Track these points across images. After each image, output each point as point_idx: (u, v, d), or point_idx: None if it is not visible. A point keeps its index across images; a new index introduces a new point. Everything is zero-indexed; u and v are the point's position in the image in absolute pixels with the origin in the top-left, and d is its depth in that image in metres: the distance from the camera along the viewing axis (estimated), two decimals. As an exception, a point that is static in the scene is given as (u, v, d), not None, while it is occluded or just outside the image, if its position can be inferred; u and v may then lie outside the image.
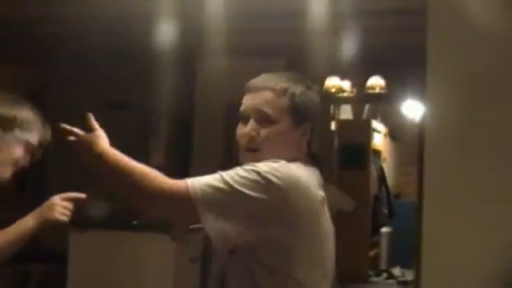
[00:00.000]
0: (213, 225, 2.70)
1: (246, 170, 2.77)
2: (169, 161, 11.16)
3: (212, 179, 2.75)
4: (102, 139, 2.94)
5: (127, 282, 7.92)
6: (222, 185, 2.72)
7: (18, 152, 3.60)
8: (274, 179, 2.73)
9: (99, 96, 11.68)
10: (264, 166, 2.79)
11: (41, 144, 3.63)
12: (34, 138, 3.61)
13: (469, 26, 6.30)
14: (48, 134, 3.52)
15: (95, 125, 2.99)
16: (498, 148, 6.27)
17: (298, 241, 2.80)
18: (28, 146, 3.62)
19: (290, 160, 2.88)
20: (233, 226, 2.71)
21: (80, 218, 8.68)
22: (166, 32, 8.65)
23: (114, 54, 10.98)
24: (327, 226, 2.96)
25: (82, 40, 10.23)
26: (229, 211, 2.71)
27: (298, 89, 3.04)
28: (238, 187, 2.71)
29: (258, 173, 2.75)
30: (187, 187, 2.72)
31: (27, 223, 3.54)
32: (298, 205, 2.78)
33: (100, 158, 2.87)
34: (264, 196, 2.72)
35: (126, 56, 10.96)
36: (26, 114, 3.60)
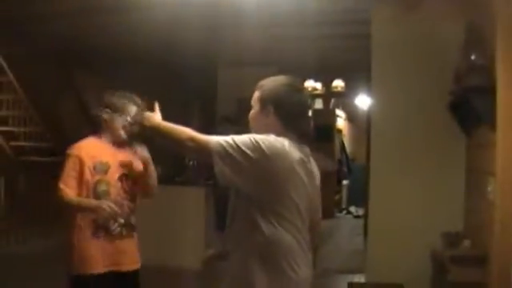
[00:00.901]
0: (219, 167, 2.75)
1: (248, 136, 2.81)
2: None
3: (225, 138, 2.79)
4: (158, 116, 3.05)
5: (174, 218, 7.98)
6: (231, 142, 2.76)
7: (121, 127, 3.93)
8: (262, 145, 2.76)
9: (151, 93, 11.70)
10: (260, 136, 2.81)
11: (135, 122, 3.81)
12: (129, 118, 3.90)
13: (401, 42, 6.34)
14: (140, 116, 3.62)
15: (156, 108, 3.12)
16: (419, 126, 6.32)
17: (279, 191, 2.82)
18: (126, 123, 3.90)
19: (278, 135, 2.88)
20: (230, 171, 2.76)
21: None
22: (199, 45, 8.67)
23: (158, 60, 10.99)
24: (305, 180, 2.91)
25: (137, 49, 10.21)
26: (230, 160, 2.75)
27: (269, 85, 3.04)
28: (240, 145, 2.75)
29: (255, 138, 2.78)
30: (209, 141, 2.79)
31: (92, 204, 3.78)
32: (277, 166, 2.78)
33: (157, 126, 2.97)
34: (253, 155, 2.74)
35: (167, 62, 10.97)
36: (127, 103, 3.98)
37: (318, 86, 12.57)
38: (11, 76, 11.01)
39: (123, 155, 4.03)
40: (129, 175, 4.02)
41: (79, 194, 3.80)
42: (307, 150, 3.01)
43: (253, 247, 2.85)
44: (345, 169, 15.68)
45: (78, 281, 3.84)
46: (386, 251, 6.35)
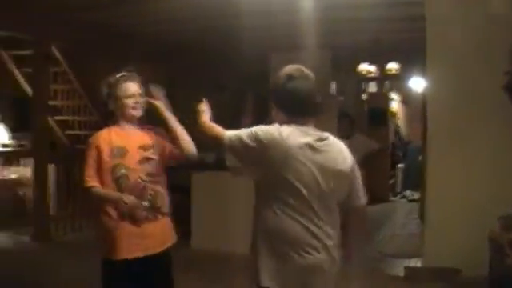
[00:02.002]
0: (230, 161, 3.03)
1: (252, 128, 3.01)
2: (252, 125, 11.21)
3: (236, 132, 3.03)
4: (207, 113, 3.32)
5: (227, 203, 8.00)
6: (237, 134, 3.01)
7: (129, 106, 3.95)
8: (261, 134, 2.93)
9: (204, 81, 11.79)
10: (261, 126, 3.00)
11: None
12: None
13: (456, 23, 6.28)
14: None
15: (205, 106, 3.36)
16: (475, 107, 6.26)
17: (278, 177, 2.92)
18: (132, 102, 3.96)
19: (282, 123, 3.03)
20: (239, 162, 3.02)
21: (198, 163, 8.91)
22: (251, 31, 8.69)
23: (210, 47, 11.04)
24: (311, 166, 2.94)
25: (193, 37, 10.28)
26: (239, 153, 2.99)
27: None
28: (243, 137, 2.97)
29: (255, 129, 2.98)
30: (223, 136, 3.07)
31: (116, 196, 3.79)
32: (274, 154, 2.89)
33: (202, 123, 3.26)
34: (252, 144, 2.94)
35: (219, 49, 11.00)
36: (124, 82, 3.95)
37: (373, 69, 12.51)
38: (65, 66, 11.19)
39: (143, 137, 4.03)
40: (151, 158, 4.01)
41: (101, 181, 3.85)
42: (320, 134, 3.05)
43: (259, 233, 3.06)
44: (399, 152, 15.57)
45: (109, 265, 3.90)
46: (443, 235, 6.32)
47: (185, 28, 9.36)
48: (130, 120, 4.00)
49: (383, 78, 13.71)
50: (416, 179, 12.30)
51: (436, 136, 6.53)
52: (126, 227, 3.84)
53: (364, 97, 14.80)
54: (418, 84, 13.50)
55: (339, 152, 3.07)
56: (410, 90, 15.11)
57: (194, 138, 3.98)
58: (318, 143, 2.98)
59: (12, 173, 9.75)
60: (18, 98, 11.78)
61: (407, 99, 17.21)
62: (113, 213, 3.84)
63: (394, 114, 15.66)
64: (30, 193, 9.47)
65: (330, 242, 2.98)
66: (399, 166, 15.59)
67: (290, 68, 3.10)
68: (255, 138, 2.93)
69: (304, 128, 3.00)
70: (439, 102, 6.49)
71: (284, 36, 9.24)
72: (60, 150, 11.06)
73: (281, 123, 3.01)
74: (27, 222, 9.14)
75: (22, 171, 9.77)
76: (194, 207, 8.30)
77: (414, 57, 9.86)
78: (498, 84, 5.56)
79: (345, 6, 7.70)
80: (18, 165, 9.76)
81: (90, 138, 4.00)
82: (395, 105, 16.11)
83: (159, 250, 3.99)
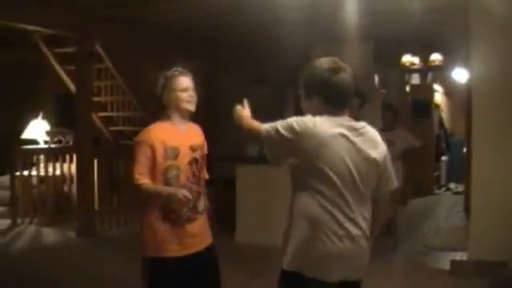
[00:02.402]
0: (268, 150, 3.11)
1: (288, 119, 3.05)
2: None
3: (271, 124, 3.09)
4: (246, 111, 3.36)
5: (272, 196, 8.03)
6: (274, 126, 3.06)
7: (183, 100, 3.94)
8: (295, 125, 2.99)
9: (247, 75, 11.84)
10: (295, 117, 3.05)
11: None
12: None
13: (500, 13, 6.23)
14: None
15: (245, 104, 3.40)
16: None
17: (311, 166, 2.98)
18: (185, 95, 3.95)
19: (316, 113, 3.05)
20: (276, 151, 3.12)
21: (242, 156, 8.95)
22: (293, 25, 8.72)
23: (252, 42, 11.06)
24: (344, 154, 2.99)
25: (235, 32, 10.31)
26: (276, 144, 3.07)
27: (305, 71, 3.19)
28: (279, 128, 3.03)
29: (290, 120, 3.03)
30: (261, 129, 3.13)
31: (168, 191, 3.75)
32: (308, 143, 2.95)
33: (237, 120, 3.30)
34: (288, 135, 2.99)
35: (265, 44, 11.00)
36: (177, 76, 3.94)
37: (416, 60, 12.48)
38: (108, 63, 11.30)
39: (193, 136, 4.06)
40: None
41: (152, 180, 3.82)
42: (354, 124, 3.09)
43: (293, 221, 3.09)
44: (443, 144, 15.46)
45: (152, 263, 3.91)
46: (489, 228, 6.29)
47: (228, 23, 9.39)
48: (183, 114, 3.98)
49: (426, 69, 13.65)
50: (460, 172, 12.24)
51: (481, 128, 6.49)
52: (171, 225, 3.87)
53: (407, 89, 14.74)
54: (461, 75, 13.44)
55: (372, 141, 3.12)
56: (454, 81, 15.02)
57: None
58: (352, 133, 3.03)
59: (56, 169, 9.88)
60: (60, 94, 11.98)
61: (450, 91, 17.09)
62: (158, 212, 3.86)
63: (437, 106, 15.56)
64: (74, 189, 9.64)
65: (359, 232, 3.02)
66: (443, 158, 15.51)
67: (329, 61, 3.13)
68: (291, 128, 2.98)
69: (338, 118, 3.04)
70: (483, 94, 6.45)
71: (326, 29, 9.24)
72: (103, 146, 11.19)
73: (314, 114, 3.04)
74: (73, 217, 9.32)
75: (67, 167, 9.90)
76: (239, 200, 8.37)
77: (456, 48, 9.81)
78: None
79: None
80: (63, 161, 9.89)
81: (140, 135, 3.93)
82: (439, 96, 16.00)
83: (200, 248, 4.01)
